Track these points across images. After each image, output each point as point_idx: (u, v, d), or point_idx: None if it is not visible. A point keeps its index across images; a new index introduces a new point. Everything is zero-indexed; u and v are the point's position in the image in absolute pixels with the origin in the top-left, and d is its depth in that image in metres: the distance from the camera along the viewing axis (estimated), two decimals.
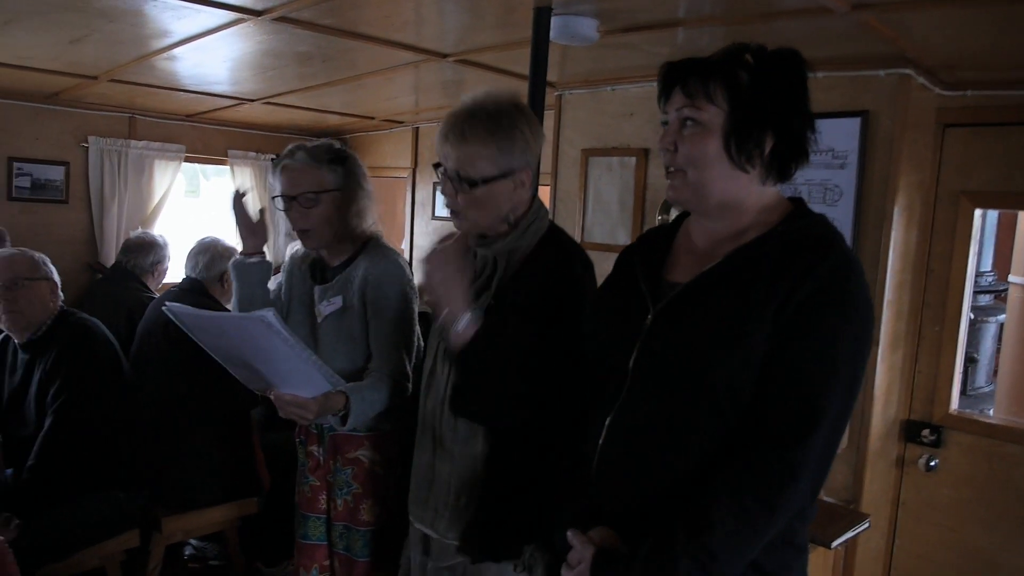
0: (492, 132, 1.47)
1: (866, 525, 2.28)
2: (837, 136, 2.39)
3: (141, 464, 2.63)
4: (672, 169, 1.20)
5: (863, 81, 2.38)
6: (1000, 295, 3.30)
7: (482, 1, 2.16)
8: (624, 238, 3.04)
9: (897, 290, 2.51)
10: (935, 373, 2.66)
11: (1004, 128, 2.46)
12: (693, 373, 1.11)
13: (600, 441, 1.21)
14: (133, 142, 4.50)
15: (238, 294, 2.03)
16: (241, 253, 2.05)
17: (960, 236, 2.58)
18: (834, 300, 1.07)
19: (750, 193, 1.18)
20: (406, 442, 1.80)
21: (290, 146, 1.98)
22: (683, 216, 1.33)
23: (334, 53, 2.79)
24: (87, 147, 4.35)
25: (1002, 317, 3.19)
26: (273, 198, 1.97)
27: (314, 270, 2.06)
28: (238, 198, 2.03)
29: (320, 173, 1.93)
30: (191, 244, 3.11)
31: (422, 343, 1.96)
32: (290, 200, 1.92)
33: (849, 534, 2.20)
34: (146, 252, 3.74)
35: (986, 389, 3.22)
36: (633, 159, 3.04)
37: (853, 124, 2.38)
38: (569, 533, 1.18)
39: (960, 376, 2.69)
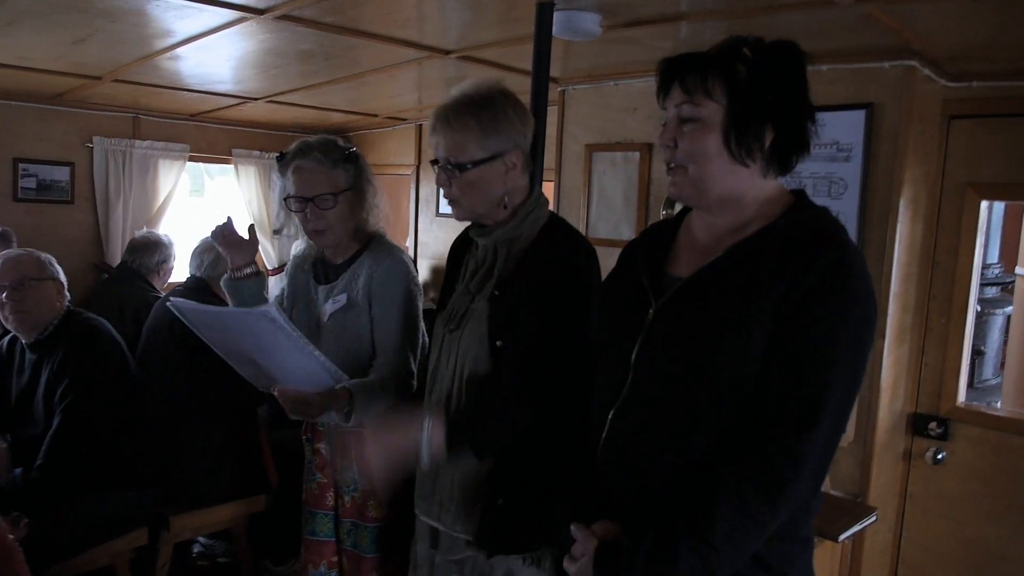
0: (476, 116, 1.50)
1: (873, 518, 2.28)
2: (842, 129, 2.38)
3: (149, 463, 2.63)
4: (673, 165, 1.20)
5: (867, 73, 2.37)
6: (1007, 287, 3.27)
7: None
8: (628, 233, 3.04)
9: (903, 283, 2.50)
10: (942, 366, 2.65)
11: (1010, 119, 2.44)
12: (695, 367, 1.11)
13: (603, 435, 1.21)
14: (137, 142, 4.51)
15: None
16: (231, 269, 1.94)
17: (966, 228, 2.56)
18: (835, 292, 1.07)
19: (751, 187, 1.18)
20: None
21: (296, 144, 1.95)
22: (686, 210, 1.33)
23: (337, 51, 2.79)
24: (92, 147, 4.36)
25: (1009, 309, 3.17)
26: (285, 199, 1.93)
27: (316, 269, 2.06)
28: (222, 228, 1.92)
29: (334, 174, 1.91)
30: (196, 243, 3.12)
31: (427, 340, 1.96)
32: (306, 202, 1.90)
33: (856, 527, 2.21)
34: (151, 252, 3.75)
35: (993, 381, 3.20)
36: (637, 154, 3.03)
37: (858, 116, 2.36)
38: (572, 526, 1.18)
39: (967, 369, 2.68)
